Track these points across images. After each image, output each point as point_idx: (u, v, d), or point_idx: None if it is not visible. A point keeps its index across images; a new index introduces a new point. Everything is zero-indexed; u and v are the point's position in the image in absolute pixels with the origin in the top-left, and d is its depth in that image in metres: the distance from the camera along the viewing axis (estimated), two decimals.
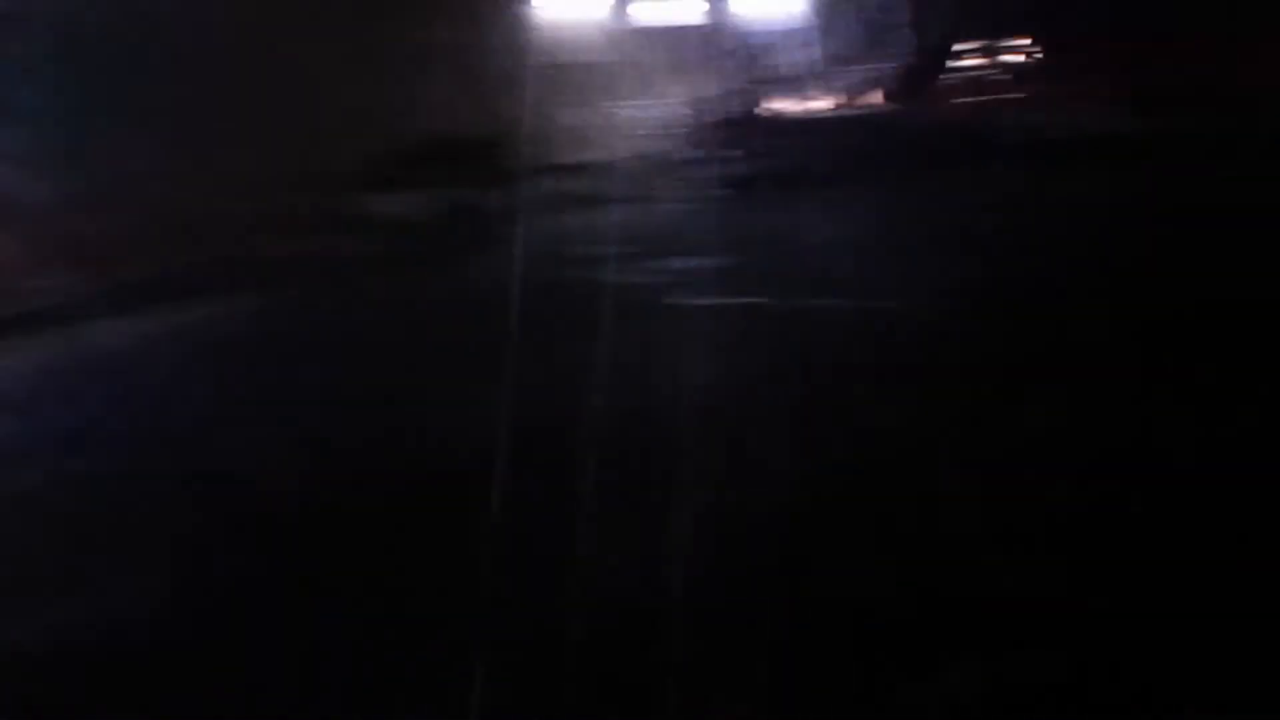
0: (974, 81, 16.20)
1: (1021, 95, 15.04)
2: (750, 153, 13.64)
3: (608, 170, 15.24)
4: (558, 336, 6.09)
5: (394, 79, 14.37)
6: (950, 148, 12.45)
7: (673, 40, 19.00)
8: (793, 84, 18.83)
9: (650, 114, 17.87)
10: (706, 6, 19.90)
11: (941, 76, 17.01)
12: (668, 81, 17.85)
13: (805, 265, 7.98)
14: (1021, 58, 16.65)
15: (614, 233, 10.73)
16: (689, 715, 2.49)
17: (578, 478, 3.79)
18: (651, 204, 13.08)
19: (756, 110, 17.32)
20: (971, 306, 5.97)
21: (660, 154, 15.19)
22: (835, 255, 8.00)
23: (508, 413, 4.50)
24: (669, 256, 8.72)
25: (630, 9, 18.46)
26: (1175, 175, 9.32)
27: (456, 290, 8.87)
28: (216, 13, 12.83)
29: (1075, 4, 15.34)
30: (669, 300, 7.11)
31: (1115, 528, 3.19)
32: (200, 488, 4.57)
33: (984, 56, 16.99)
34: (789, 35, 19.46)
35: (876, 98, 18.27)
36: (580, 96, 18.32)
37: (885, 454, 4.01)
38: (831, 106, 17.89)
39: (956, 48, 17.24)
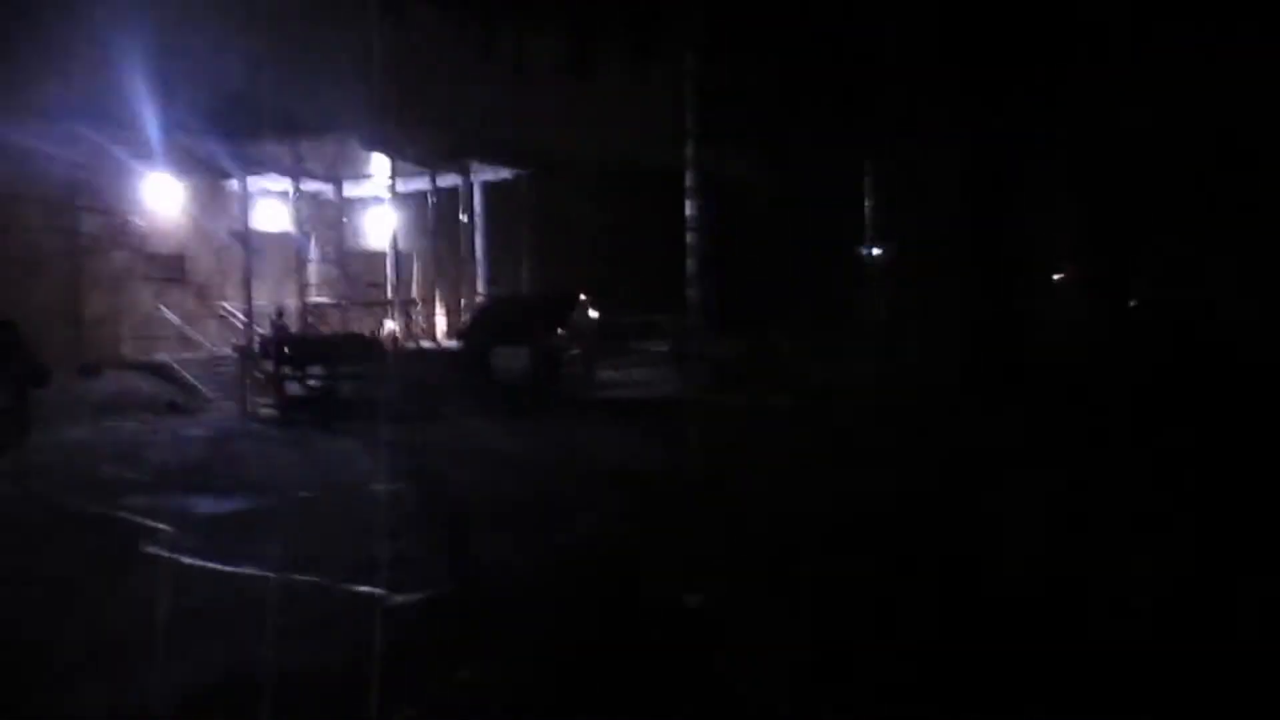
0: None
1: None
2: (322, 374, 12.58)
3: (164, 371, 13.95)
4: None
5: None
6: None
7: (274, 245, 17.90)
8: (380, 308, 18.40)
9: (233, 317, 16.50)
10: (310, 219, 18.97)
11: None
12: (263, 285, 16.57)
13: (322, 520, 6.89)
14: None
15: (146, 451, 9.46)
16: None
17: None
18: (199, 418, 11.74)
19: (323, 331, 16.42)
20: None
21: (230, 360, 13.94)
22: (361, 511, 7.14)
23: None
24: (190, 493, 7.59)
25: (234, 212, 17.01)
26: None
27: None
28: None
29: None
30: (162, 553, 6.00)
31: None
32: None
33: None
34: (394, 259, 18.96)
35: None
36: (154, 291, 16.61)
37: None
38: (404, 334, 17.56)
39: None
